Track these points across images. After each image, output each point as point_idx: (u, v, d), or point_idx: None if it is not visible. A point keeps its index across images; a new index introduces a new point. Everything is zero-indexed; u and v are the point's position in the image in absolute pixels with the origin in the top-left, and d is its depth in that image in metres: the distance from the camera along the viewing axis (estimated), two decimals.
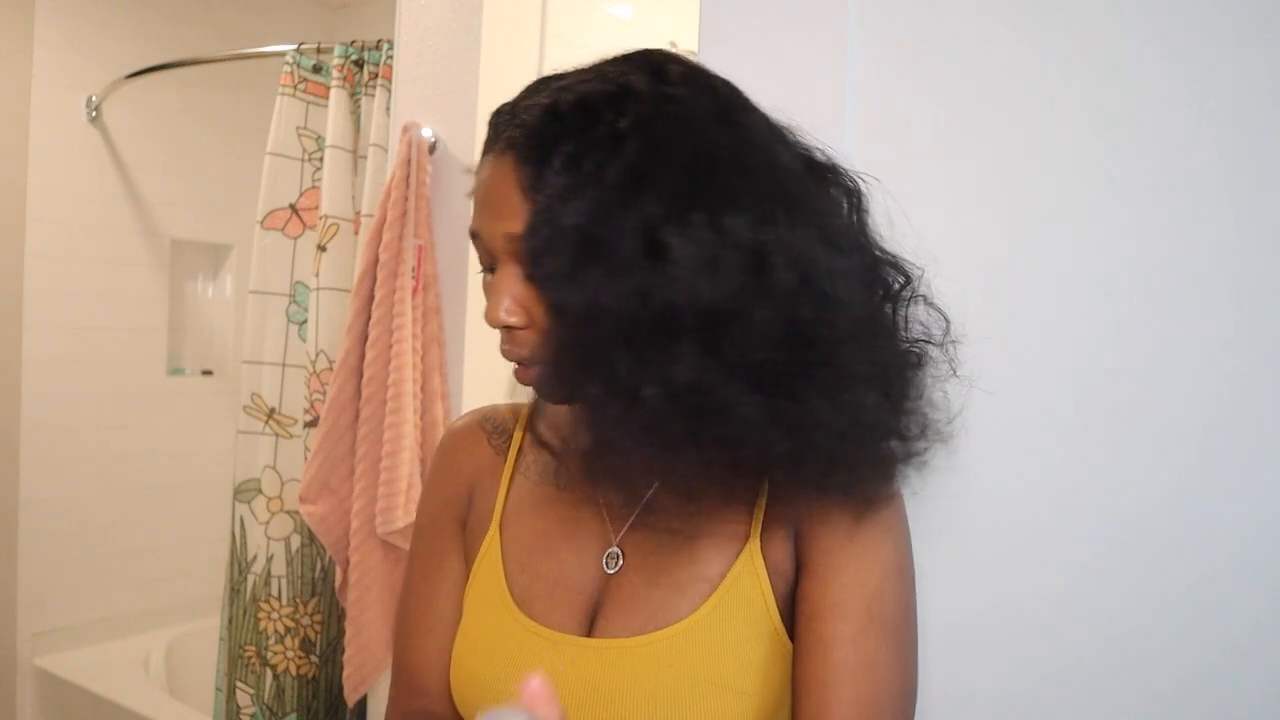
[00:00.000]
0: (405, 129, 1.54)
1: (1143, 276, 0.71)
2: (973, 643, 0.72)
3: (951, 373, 0.64)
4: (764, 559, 0.63)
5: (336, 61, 1.73)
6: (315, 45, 1.78)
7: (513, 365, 0.62)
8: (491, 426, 0.75)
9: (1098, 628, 0.74)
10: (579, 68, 0.61)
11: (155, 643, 2.32)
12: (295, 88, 1.77)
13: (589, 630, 0.64)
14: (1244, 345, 0.68)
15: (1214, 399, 0.69)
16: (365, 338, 1.52)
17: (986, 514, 0.70)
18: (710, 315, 0.53)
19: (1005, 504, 0.73)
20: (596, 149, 0.55)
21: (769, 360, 0.54)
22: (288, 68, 1.77)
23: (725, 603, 0.62)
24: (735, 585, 0.62)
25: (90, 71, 2.21)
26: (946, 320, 0.63)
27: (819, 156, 0.62)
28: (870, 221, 0.63)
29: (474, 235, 0.61)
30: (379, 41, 1.74)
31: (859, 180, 0.63)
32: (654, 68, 0.59)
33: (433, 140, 1.57)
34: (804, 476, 0.58)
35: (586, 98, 0.57)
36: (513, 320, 0.59)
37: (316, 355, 1.68)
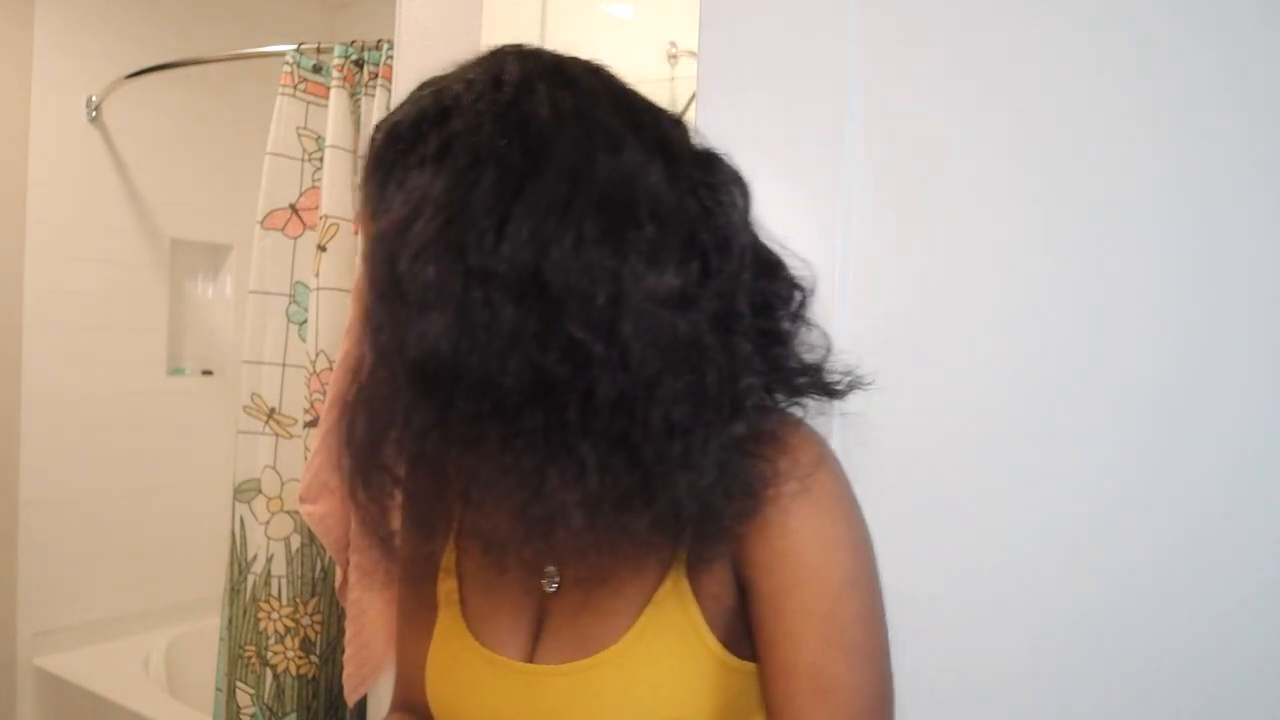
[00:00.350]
0: None
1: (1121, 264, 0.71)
2: (935, 622, 0.72)
3: (829, 396, 0.61)
4: (691, 584, 0.60)
5: (336, 61, 1.73)
6: (315, 45, 1.78)
7: None
8: None
9: (1061, 608, 0.74)
10: (453, 70, 0.58)
11: (155, 643, 2.31)
12: (295, 88, 1.77)
13: (532, 654, 0.64)
14: (1192, 311, 0.68)
15: (1162, 358, 0.69)
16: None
17: (940, 491, 0.70)
18: (474, 381, 0.50)
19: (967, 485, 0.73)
20: (407, 177, 0.53)
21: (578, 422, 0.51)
22: (288, 68, 1.76)
23: (649, 630, 0.60)
24: (659, 612, 0.60)
25: (90, 71, 2.21)
26: (828, 339, 0.61)
27: (698, 150, 0.59)
28: (754, 219, 0.59)
29: None
30: (379, 41, 1.74)
31: (741, 174, 0.59)
32: (492, 75, 0.55)
33: None
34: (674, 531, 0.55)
35: (403, 121, 0.55)
36: None
37: (316, 355, 1.68)
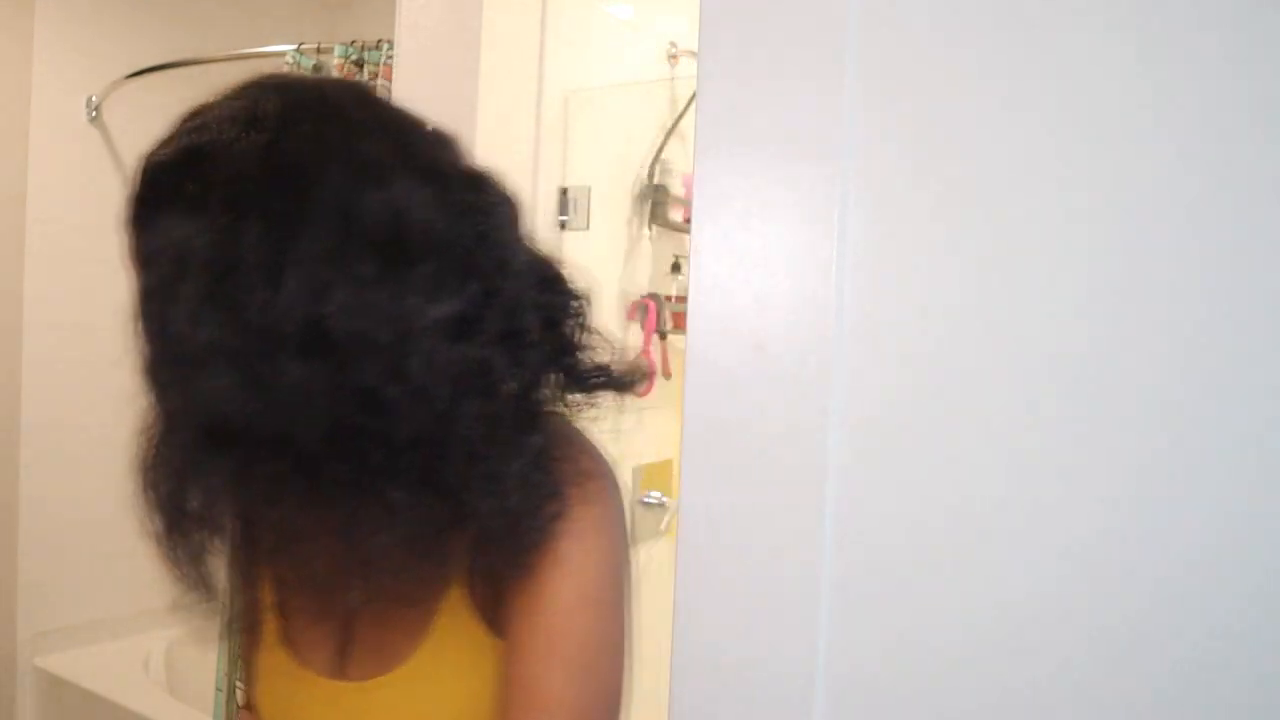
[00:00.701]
0: None
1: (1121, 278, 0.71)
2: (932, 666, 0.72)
3: (620, 406, 0.65)
4: (472, 596, 0.62)
5: (336, 61, 1.73)
6: (315, 45, 1.78)
7: None
8: None
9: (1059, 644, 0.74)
10: (216, 100, 0.60)
11: (155, 643, 2.31)
12: None
13: (339, 669, 0.65)
14: (1192, 330, 0.68)
15: (1177, 367, 0.69)
16: None
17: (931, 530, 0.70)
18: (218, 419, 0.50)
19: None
20: (171, 226, 0.52)
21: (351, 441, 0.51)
22: (288, 67, 1.77)
23: (442, 644, 0.62)
24: (449, 626, 0.62)
25: (90, 71, 2.21)
26: (612, 346, 0.64)
27: (465, 170, 0.59)
28: (528, 234, 0.60)
29: None
30: (379, 41, 1.74)
31: (510, 193, 0.60)
32: (249, 113, 0.55)
33: None
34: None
35: (163, 162, 0.55)
36: None
37: None
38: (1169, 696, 0.62)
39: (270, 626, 0.69)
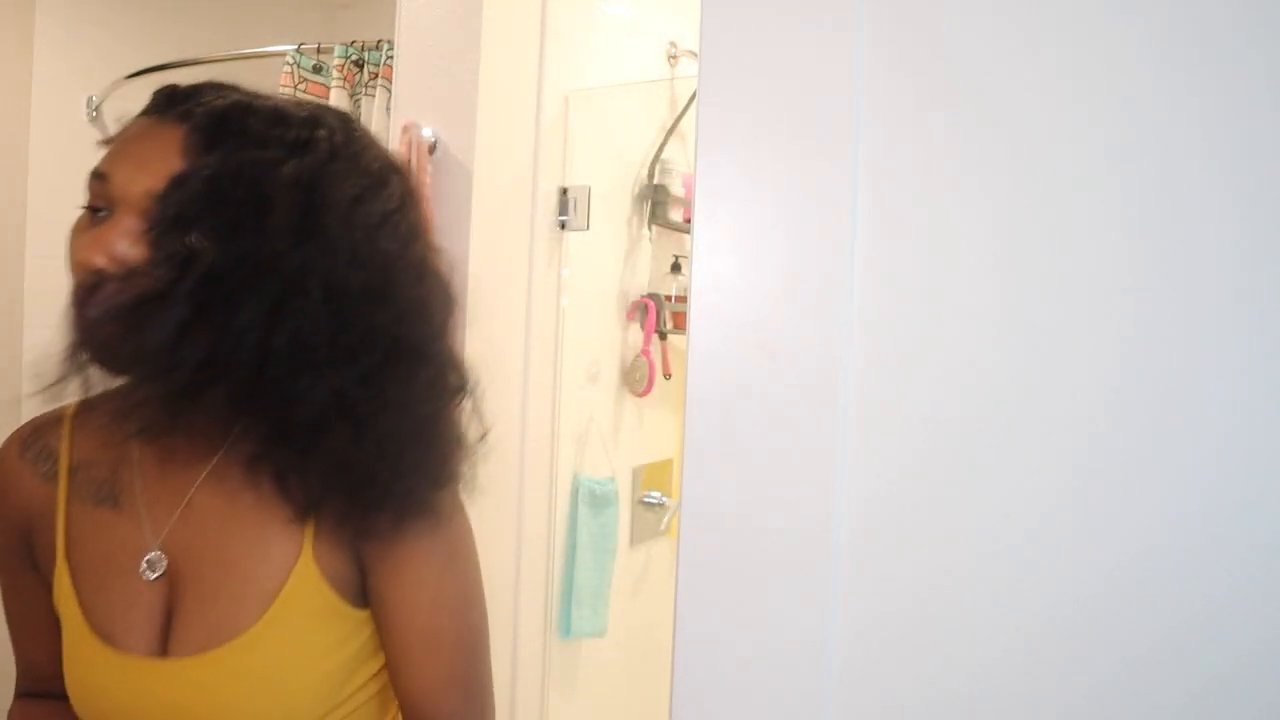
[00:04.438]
0: (405, 129, 1.54)
1: (1141, 281, 0.71)
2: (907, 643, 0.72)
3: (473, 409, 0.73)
4: (319, 568, 0.67)
5: (336, 61, 1.73)
6: (315, 45, 1.78)
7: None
8: (34, 455, 0.74)
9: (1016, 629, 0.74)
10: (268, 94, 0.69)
11: None
12: (295, 88, 1.77)
13: (163, 647, 0.66)
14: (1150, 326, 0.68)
15: (1129, 358, 0.69)
16: None
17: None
18: (337, 294, 0.62)
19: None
20: (285, 145, 0.63)
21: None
22: (288, 68, 1.77)
23: (286, 611, 0.66)
24: (294, 595, 0.66)
25: (90, 71, 2.21)
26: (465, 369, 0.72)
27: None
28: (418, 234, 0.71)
29: (101, 176, 0.66)
30: (379, 41, 1.74)
31: (415, 197, 0.72)
32: (334, 127, 0.69)
33: (433, 140, 1.57)
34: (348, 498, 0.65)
35: (281, 111, 0.68)
36: (110, 267, 0.62)
37: None
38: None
39: (69, 613, 0.68)
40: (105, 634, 0.67)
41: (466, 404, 0.72)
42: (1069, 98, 0.65)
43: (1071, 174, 0.66)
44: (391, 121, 1.66)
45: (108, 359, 0.65)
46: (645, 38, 2.00)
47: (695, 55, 1.05)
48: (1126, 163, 0.64)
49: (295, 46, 1.78)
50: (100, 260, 0.62)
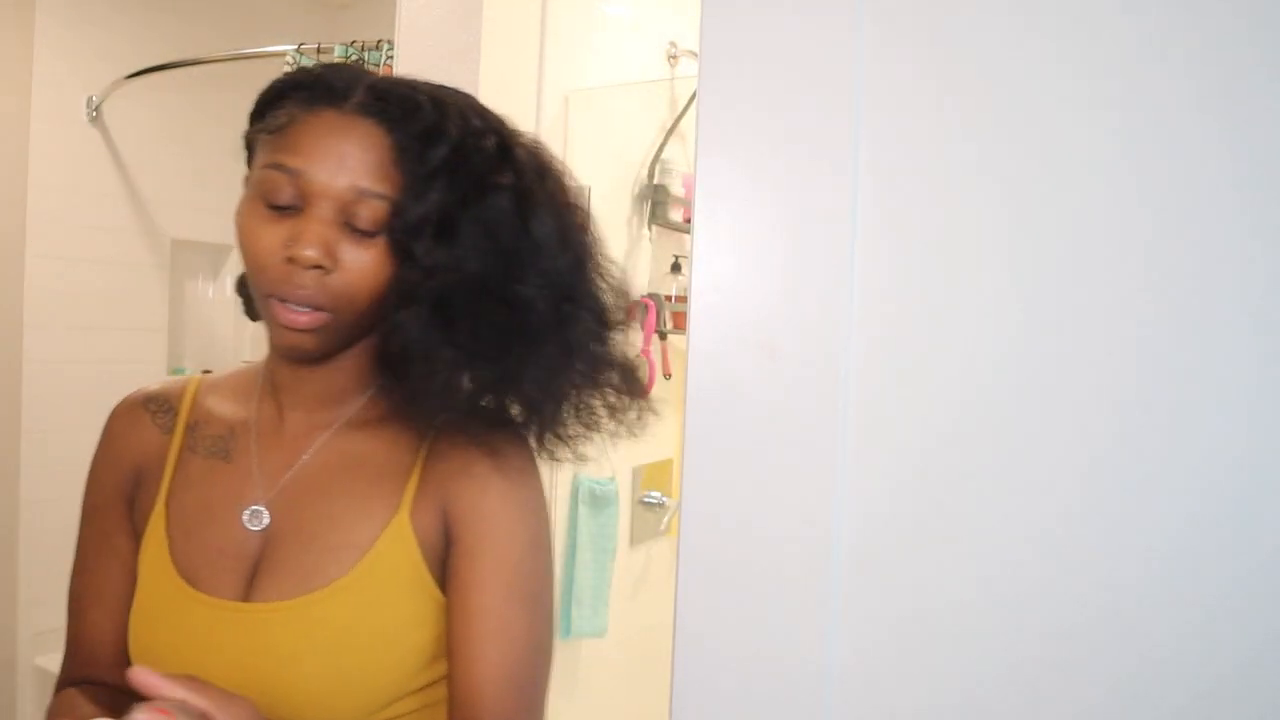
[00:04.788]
0: None
1: (1157, 273, 0.71)
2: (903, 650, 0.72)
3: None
4: (413, 530, 0.69)
5: (337, 61, 1.73)
6: (315, 45, 1.78)
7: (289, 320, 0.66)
8: (156, 406, 0.79)
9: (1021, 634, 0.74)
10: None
11: None
12: None
13: (249, 593, 0.68)
14: (1155, 333, 0.68)
15: (1120, 393, 0.69)
16: None
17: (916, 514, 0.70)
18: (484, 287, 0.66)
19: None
20: (480, 154, 0.66)
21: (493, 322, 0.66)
22: (288, 68, 1.76)
23: (375, 568, 0.67)
24: (385, 552, 0.68)
25: (90, 71, 2.21)
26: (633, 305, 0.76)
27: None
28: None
29: (291, 171, 0.65)
30: (379, 41, 1.74)
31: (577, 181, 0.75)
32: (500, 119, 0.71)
33: None
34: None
35: (468, 104, 0.69)
36: (326, 262, 0.64)
37: None
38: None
39: (153, 554, 0.71)
40: (189, 576, 0.69)
41: (611, 400, 0.74)
42: (1077, 93, 0.65)
43: (1082, 166, 0.66)
44: None
45: (319, 352, 0.69)
46: (645, 38, 2.00)
47: (695, 55, 1.05)
48: (1140, 154, 0.64)
49: (295, 46, 1.78)
50: (315, 254, 0.63)
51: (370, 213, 0.65)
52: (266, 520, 0.70)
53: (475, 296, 0.65)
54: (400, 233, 0.65)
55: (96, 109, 2.24)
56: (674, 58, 2.04)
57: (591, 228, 0.73)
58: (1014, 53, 0.72)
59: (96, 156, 2.27)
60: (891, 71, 0.75)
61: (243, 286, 0.79)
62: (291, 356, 0.69)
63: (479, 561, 0.68)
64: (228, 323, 2.59)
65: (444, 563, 0.70)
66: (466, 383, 0.67)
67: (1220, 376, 0.62)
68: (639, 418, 0.74)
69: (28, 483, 2.18)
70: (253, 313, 0.78)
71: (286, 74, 0.71)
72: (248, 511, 0.70)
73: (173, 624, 0.68)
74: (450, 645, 0.68)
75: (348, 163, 0.65)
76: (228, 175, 2.64)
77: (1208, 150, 0.60)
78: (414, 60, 1.62)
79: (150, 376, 2.47)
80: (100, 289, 2.30)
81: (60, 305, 2.22)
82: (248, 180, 0.71)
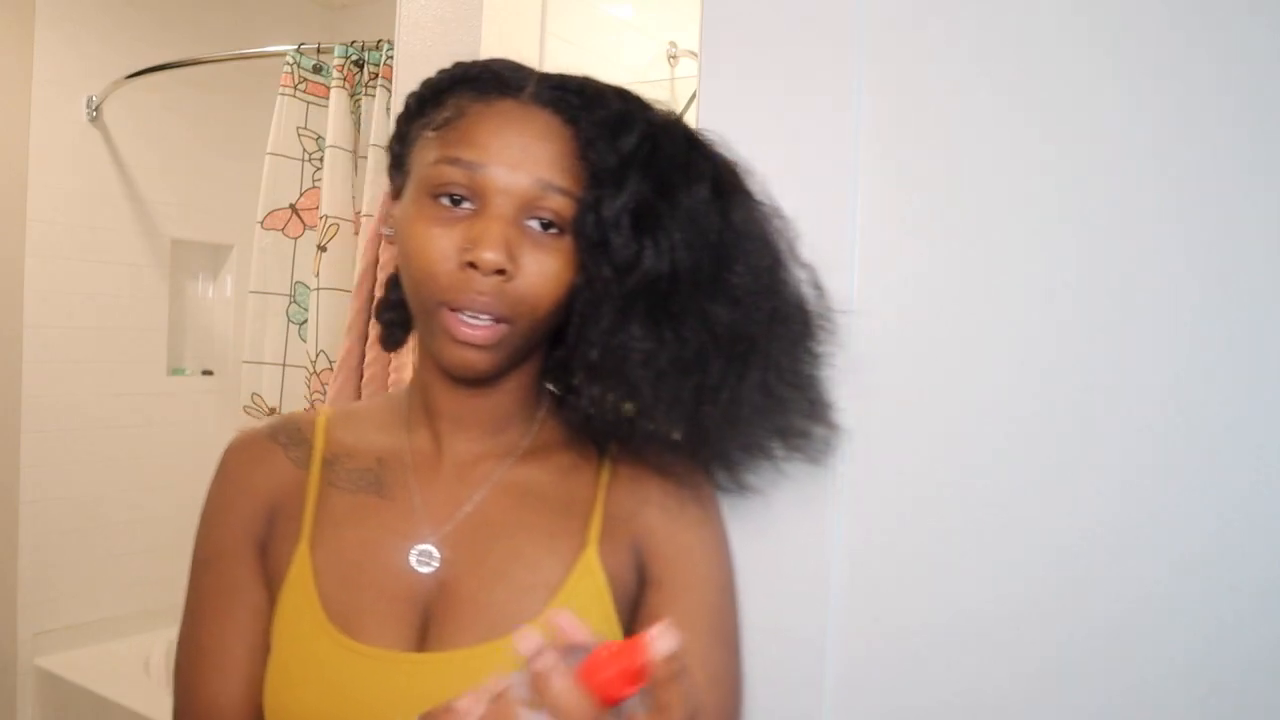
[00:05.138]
0: None
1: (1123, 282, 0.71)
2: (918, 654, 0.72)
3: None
4: (602, 566, 0.62)
5: (336, 62, 1.73)
6: (315, 45, 1.78)
7: (463, 334, 0.59)
8: (287, 438, 0.69)
9: (1046, 637, 0.73)
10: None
11: (155, 643, 2.31)
12: (295, 88, 1.77)
13: (421, 643, 0.61)
14: (1192, 344, 0.68)
15: (1160, 399, 0.69)
16: (365, 338, 1.52)
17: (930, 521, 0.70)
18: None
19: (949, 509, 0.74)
20: (671, 141, 0.59)
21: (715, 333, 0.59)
22: (288, 68, 1.77)
23: (567, 607, 0.59)
24: (576, 590, 0.61)
25: (90, 71, 2.21)
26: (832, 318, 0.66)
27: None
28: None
29: (468, 165, 0.58)
30: (379, 41, 1.74)
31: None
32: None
33: None
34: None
35: (643, 98, 0.63)
36: (510, 266, 0.57)
37: (317, 355, 1.68)
38: None
39: (298, 605, 0.62)
40: (346, 627, 0.60)
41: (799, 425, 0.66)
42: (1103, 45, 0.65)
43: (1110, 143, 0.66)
44: (391, 121, 1.65)
45: (491, 369, 0.61)
46: (645, 38, 2.00)
47: (695, 55, 1.05)
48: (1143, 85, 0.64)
49: (295, 46, 1.78)
50: (498, 258, 0.56)
51: (555, 209, 0.58)
52: (437, 562, 0.63)
53: (679, 297, 0.58)
54: (594, 228, 0.58)
55: (96, 109, 2.24)
56: (674, 58, 2.04)
57: (785, 223, 0.64)
58: (1019, 65, 0.72)
59: (96, 156, 2.27)
60: (893, 74, 0.75)
61: (383, 310, 0.73)
62: (464, 375, 0.61)
63: (682, 600, 0.62)
64: (227, 323, 2.59)
65: (632, 601, 0.64)
66: (656, 398, 0.59)
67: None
68: (827, 446, 0.65)
69: (28, 483, 2.18)
70: (393, 341, 0.72)
71: (448, 68, 0.64)
72: (415, 552, 0.63)
73: (328, 681, 0.60)
74: None
75: (530, 155, 0.58)
76: (228, 175, 2.65)
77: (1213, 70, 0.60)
78: (414, 60, 1.62)
79: (150, 377, 2.48)
80: (100, 289, 2.30)
81: (60, 305, 2.22)
82: (400, 187, 0.65)
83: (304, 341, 1.75)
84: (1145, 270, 0.62)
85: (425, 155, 0.61)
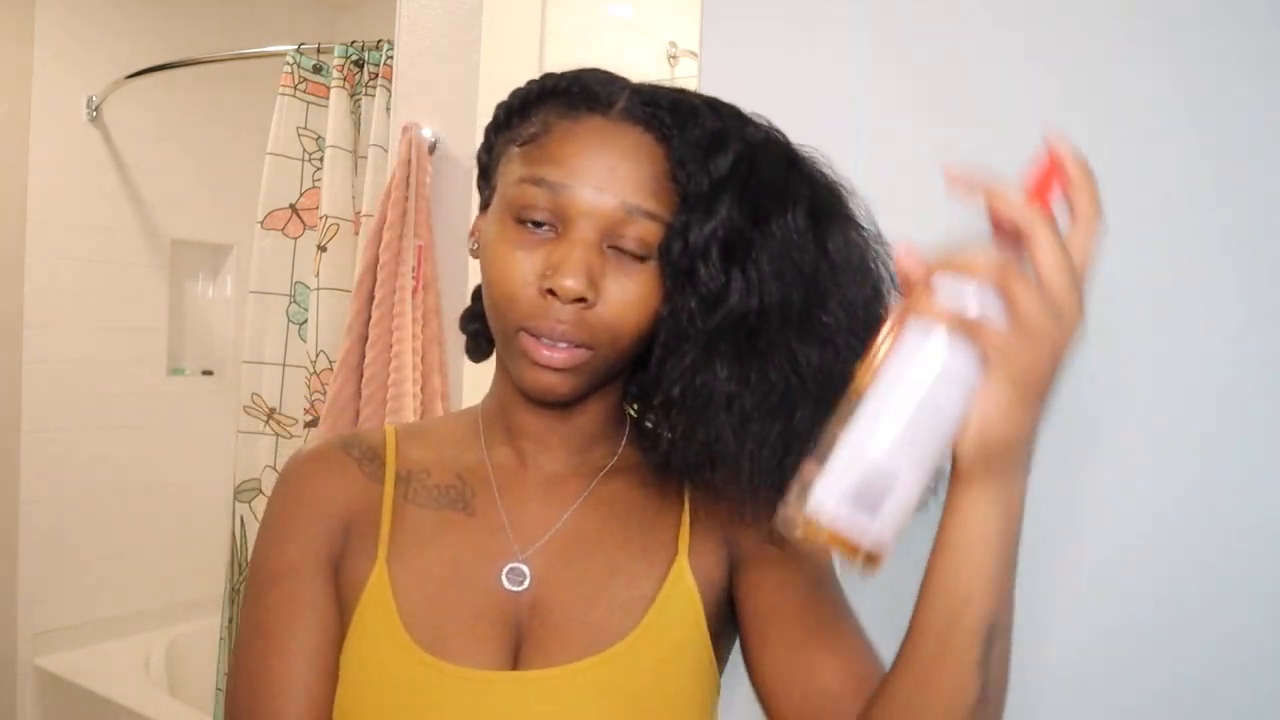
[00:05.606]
0: (405, 129, 1.54)
1: (1153, 281, 0.71)
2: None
3: None
4: (692, 573, 0.61)
5: (336, 61, 1.73)
6: (315, 45, 1.78)
7: (541, 359, 0.57)
8: (360, 452, 0.67)
9: (1105, 630, 0.74)
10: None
11: (155, 643, 2.31)
12: (295, 88, 1.77)
13: (514, 661, 0.59)
14: (1247, 347, 0.68)
15: (1214, 400, 0.69)
16: (365, 338, 1.52)
17: None
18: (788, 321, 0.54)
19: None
20: (769, 161, 0.56)
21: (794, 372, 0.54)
22: (288, 68, 1.77)
23: (660, 620, 0.59)
24: (669, 599, 0.60)
25: (90, 71, 2.21)
26: None
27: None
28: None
29: (551, 186, 0.56)
30: (379, 41, 1.74)
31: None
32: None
33: (433, 140, 1.57)
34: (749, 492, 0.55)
35: (740, 111, 0.58)
36: (590, 294, 0.55)
37: (316, 355, 1.68)
38: None
39: (377, 620, 0.60)
40: (432, 647, 0.58)
41: None
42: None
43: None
44: (391, 121, 1.66)
45: (566, 396, 0.59)
46: (645, 38, 2.00)
47: (695, 55, 1.05)
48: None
49: (295, 46, 1.78)
50: (578, 286, 0.54)
51: (640, 234, 0.56)
52: (528, 581, 0.61)
53: (767, 334, 0.54)
54: (681, 256, 0.55)
55: (96, 109, 2.24)
56: (674, 58, 2.04)
57: (886, 251, 0.58)
58: (1010, 55, 0.71)
59: (96, 156, 2.27)
60: (891, 72, 0.74)
61: (468, 322, 0.71)
62: (542, 399, 0.60)
63: (783, 557, 0.61)
64: (227, 323, 2.59)
65: (721, 601, 0.63)
66: (739, 445, 0.55)
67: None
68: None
69: (28, 483, 2.18)
70: (478, 352, 0.71)
71: (537, 79, 0.62)
72: (506, 569, 0.61)
73: (416, 704, 0.57)
74: (773, 668, 0.59)
75: (617, 176, 0.56)
76: (228, 175, 2.65)
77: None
78: (414, 60, 1.62)
79: (150, 377, 2.48)
80: (100, 289, 2.30)
81: (60, 305, 2.22)
82: (487, 200, 0.63)
83: (304, 341, 1.75)
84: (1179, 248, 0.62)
85: (510, 171, 0.59)
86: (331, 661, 0.60)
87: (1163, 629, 0.71)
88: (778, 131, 0.58)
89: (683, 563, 0.62)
